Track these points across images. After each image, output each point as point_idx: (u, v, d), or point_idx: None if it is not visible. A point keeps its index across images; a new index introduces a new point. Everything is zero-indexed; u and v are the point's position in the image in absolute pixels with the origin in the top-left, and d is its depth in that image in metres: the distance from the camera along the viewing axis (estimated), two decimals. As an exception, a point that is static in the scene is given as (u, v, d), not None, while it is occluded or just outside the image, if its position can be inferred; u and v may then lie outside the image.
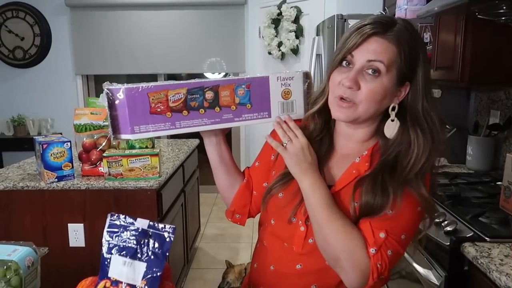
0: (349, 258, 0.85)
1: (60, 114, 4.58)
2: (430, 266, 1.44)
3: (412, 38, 0.88)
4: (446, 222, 1.40)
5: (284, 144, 0.91)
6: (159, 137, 3.35)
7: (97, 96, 4.33)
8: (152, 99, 0.90)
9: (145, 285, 0.79)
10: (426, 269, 1.45)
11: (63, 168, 1.90)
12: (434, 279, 1.38)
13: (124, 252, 0.81)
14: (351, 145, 0.97)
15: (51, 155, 1.85)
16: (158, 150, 1.95)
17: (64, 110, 4.40)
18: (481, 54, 1.77)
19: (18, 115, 4.49)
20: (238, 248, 3.44)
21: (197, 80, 0.92)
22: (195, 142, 3.03)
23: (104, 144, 1.95)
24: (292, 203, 0.95)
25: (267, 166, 1.08)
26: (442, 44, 2.01)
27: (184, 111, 0.92)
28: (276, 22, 4.07)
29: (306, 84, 0.95)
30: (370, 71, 0.86)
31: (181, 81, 0.91)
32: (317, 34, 3.23)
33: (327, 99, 0.94)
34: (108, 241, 0.81)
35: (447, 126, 2.16)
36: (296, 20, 3.92)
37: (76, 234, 1.94)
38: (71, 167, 1.92)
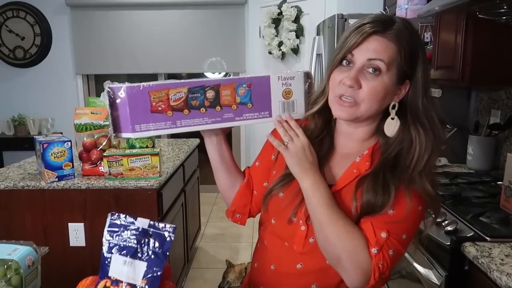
0: (351, 258, 0.85)
1: (60, 114, 4.58)
2: (431, 265, 1.43)
3: (411, 37, 0.88)
4: (446, 222, 1.40)
5: (286, 143, 0.90)
6: (159, 136, 3.37)
7: (98, 95, 4.33)
8: (153, 98, 0.90)
9: (145, 284, 0.79)
10: (426, 269, 1.45)
11: (63, 167, 1.90)
12: (434, 279, 1.38)
13: (124, 251, 0.81)
14: (352, 145, 0.97)
15: (52, 154, 1.85)
16: (159, 150, 1.95)
17: (65, 109, 4.40)
18: (481, 54, 1.77)
19: (18, 115, 4.50)
20: (239, 247, 3.44)
21: (198, 79, 0.92)
22: (196, 141, 3.03)
23: (104, 143, 1.95)
24: (293, 203, 0.95)
25: (267, 165, 1.08)
26: (443, 43, 2.01)
27: (185, 110, 0.92)
28: (276, 21, 4.07)
29: (307, 84, 0.95)
30: (370, 70, 0.86)
31: (182, 80, 0.91)
32: (318, 34, 3.22)
33: (327, 99, 0.94)
34: (109, 240, 0.81)
35: (448, 126, 2.16)
36: (297, 20, 3.91)
37: (76, 234, 1.94)
38: (71, 166, 1.92)
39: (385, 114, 0.93)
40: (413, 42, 0.88)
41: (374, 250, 0.85)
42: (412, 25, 0.90)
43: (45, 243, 1.76)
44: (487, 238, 1.28)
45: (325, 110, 0.95)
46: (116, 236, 0.81)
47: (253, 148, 4.62)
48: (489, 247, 1.23)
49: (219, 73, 4.76)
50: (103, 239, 0.81)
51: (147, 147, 1.96)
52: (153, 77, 4.61)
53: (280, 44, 4.03)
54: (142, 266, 0.80)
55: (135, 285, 0.79)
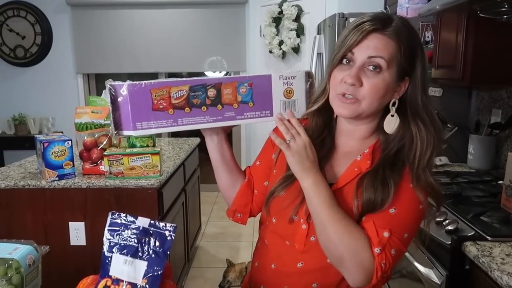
0: (354, 258, 0.85)
1: (61, 113, 4.58)
2: (431, 265, 1.43)
3: (410, 34, 0.89)
4: (447, 221, 1.39)
5: (287, 142, 0.90)
6: (160, 135, 3.37)
7: (98, 94, 4.33)
8: (155, 96, 0.90)
9: (146, 283, 0.79)
10: (427, 268, 1.45)
11: (64, 166, 1.90)
12: (435, 278, 1.38)
13: (125, 250, 0.81)
14: (352, 143, 0.98)
15: (52, 153, 1.85)
16: (159, 149, 1.95)
17: (65, 108, 4.40)
18: (482, 53, 1.77)
19: (19, 114, 4.50)
20: (239, 247, 3.44)
21: (199, 77, 0.92)
22: (196, 140, 3.03)
23: (105, 142, 1.95)
24: (294, 203, 0.95)
25: (268, 165, 1.08)
26: (444, 42, 2.00)
27: (186, 108, 0.92)
28: (277, 20, 4.07)
29: (308, 83, 0.95)
30: (371, 67, 0.87)
31: (184, 78, 0.91)
32: (318, 33, 3.22)
33: (328, 98, 0.94)
34: (109, 239, 0.81)
35: (449, 125, 2.16)
36: (297, 19, 3.91)
37: (77, 233, 1.94)
38: (72, 165, 1.92)
39: (385, 112, 0.93)
40: (412, 39, 0.89)
41: (377, 250, 0.85)
42: (410, 22, 0.91)
43: (46, 242, 1.77)
44: (488, 237, 1.28)
45: (326, 109, 0.96)
46: (116, 235, 0.81)
47: (253, 148, 4.62)
48: (490, 247, 1.23)
49: (220, 72, 4.76)
50: (104, 238, 0.81)
51: (147, 146, 1.95)
52: (154, 76, 4.60)
53: (281, 43, 4.03)
54: (142, 265, 0.80)
55: (136, 284, 0.79)
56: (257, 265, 1.07)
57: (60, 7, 4.44)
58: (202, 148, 1.27)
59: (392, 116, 0.91)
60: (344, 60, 0.90)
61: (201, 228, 3.51)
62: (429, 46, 2.27)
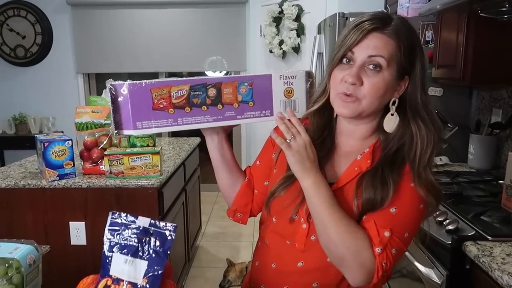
0: (355, 258, 0.85)
1: (61, 113, 4.59)
2: (432, 264, 1.43)
3: (409, 33, 0.90)
4: (447, 221, 1.39)
5: (288, 141, 0.89)
6: (160, 135, 3.37)
7: (99, 94, 4.33)
8: (155, 95, 0.90)
9: (146, 283, 0.79)
10: (427, 268, 1.45)
11: (64, 166, 1.90)
12: (435, 278, 1.38)
13: (125, 250, 0.81)
14: (353, 143, 0.98)
15: (53, 153, 1.85)
16: (159, 149, 1.95)
17: (66, 108, 4.41)
18: (483, 53, 1.77)
19: (19, 114, 4.50)
20: (239, 246, 3.44)
21: (200, 77, 0.92)
22: (196, 140, 3.03)
23: (105, 142, 1.95)
24: (294, 202, 0.95)
25: (268, 164, 1.08)
26: (444, 42, 2.00)
27: (187, 108, 0.92)
28: (277, 20, 4.07)
29: (309, 83, 0.95)
30: (371, 67, 0.87)
31: (184, 78, 0.91)
32: (319, 33, 3.22)
33: (328, 98, 0.94)
34: (110, 239, 0.81)
35: (449, 125, 2.16)
36: (298, 19, 3.91)
37: (77, 232, 1.94)
38: (72, 165, 1.92)
39: (385, 112, 0.93)
40: (411, 38, 0.89)
41: (378, 250, 0.85)
42: (409, 22, 0.92)
43: (46, 241, 1.77)
44: (488, 237, 1.28)
45: (326, 109, 0.96)
46: (117, 235, 0.81)
47: (253, 147, 4.62)
48: (490, 246, 1.23)
49: (220, 72, 4.76)
50: (104, 238, 0.81)
51: (148, 146, 1.95)
52: (154, 76, 4.61)
53: (281, 42, 4.03)
54: (143, 265, 0.80)
55: (136, 284, 0.79)
56: (258, 264, 1.07)
57: (60, 6, 4.44)
58: (202, 147, 1.27)
59: (392, 115, 0.91)
60: (344, 60, 0.90)
61: (201, 228, 3.51)
62: (429, 46, 2.27)
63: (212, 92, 0.91)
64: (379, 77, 0.87)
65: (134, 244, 0.81)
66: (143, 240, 0.81)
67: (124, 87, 0.90)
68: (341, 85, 0.89)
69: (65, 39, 4.52)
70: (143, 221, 0.82)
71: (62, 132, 4.15)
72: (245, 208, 1.11)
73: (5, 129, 4.52)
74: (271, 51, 4.16)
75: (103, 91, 2.14)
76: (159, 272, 0.80)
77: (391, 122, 0.91)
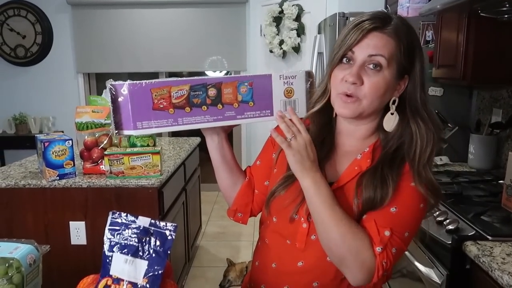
0: (356, 257, 0.85)
1: (61, 112, 4.59)
2: (432, 264, 1.43)
3: (409, 32, 0.90)
4: (448, 221, 1.39)
5: (288, 140, 0.89)
6: (160, 135, 3.37)
7: (99, 94, 4.32)
8: (155, 95, 0.90)
9: (146, 283, 0.79)
10: (427, 268, 1.44)
11: (64, 166, 1.90)
12: (435, 278, 1.38)
13: (125, 250, 0.81)
14: (353, 143, 0.98)
15: (53, 153, 1.85)
16: (160, 148, 1.95)
17: (66, 108, 4.41)
18: (483, 52, 1.77)
19: (19, 113, 4.50)
20: (239, 246, 3.45)
21: (200, 77, 0.92)
22: (197, 140, 3.03)
23: (105, 142, 1.95)
24: (294, 202, 0.95)
25: (268, 164, 1.08)
26: (444, 42, 2.00)
27: (187, 108, 0.92)
28: (277, 20, 4.07)
29: (309, 83, 0.95)
30: (371, 66, 0.87)
31: (184, 78, 0.91)
32: (319, 32, 3.22)
33: (329, 99, 0.94)
34: (110, 239, 0.81)
35: (449, 125, 2.16)
36: (298, 18, 3.91)
37: (77, 232, 1.94)
38: (72, 165, 1.92)
39: (385, 112, 0.94)
40: (411, 38, 0.90)
41: (378, 249, 0.85)
42: (408, 21, 0.92)
43: (46, 241, 1.76)
44: (488, 237, 1.28)
45: (326, 109, 0.96)
46: (117, 234, 0.81)
47: (254, 147, 4.62)
48: (491, 246, 1.23)
49: (220, 72, 4.76)
50: (104, 238, 0.81)
51: (148, 145, 1.95)
52: (154, 75, 4.61)
53: (281, 42, 4.03)
54: (143, 264, 0.80)
55: (136, 283, 0.79)
56: (258, 264, 1.07)
57: (60, 6, 4.44)
58: (202, 147, 1.27)
59: (392, 114, 0.92)
60: (344, 59, 0.90)
61: (201, 228, 3.51)
62: (429, 46, 2.27)
63: (212, 92, 0.91)
64: (380, 76, 0.87)
65: (134, 244, 0.81)
66: (143, 240, 0.81)
67: (124, 87, 0.90)
68: (342, 84, 0.89)
69: (65, 39, 4.53)
70: (143, 221, 0.82)
71: (62, 132, 4.14)
72: (246, 208, 1.11)
73: (5, 128, 4.52)
74: (271, 51, 4.16)
75: (103, 91, 2.14)
76: (159, 272, 0.80)
77: (390, 121, 0.92)
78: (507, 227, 1.37)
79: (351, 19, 2.55)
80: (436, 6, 1.74)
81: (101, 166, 1.96)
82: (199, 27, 4.48)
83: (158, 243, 0.81)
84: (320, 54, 3.08)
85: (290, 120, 0.92)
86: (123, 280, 0.80)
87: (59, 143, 1.86)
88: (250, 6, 4.44)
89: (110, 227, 0.82)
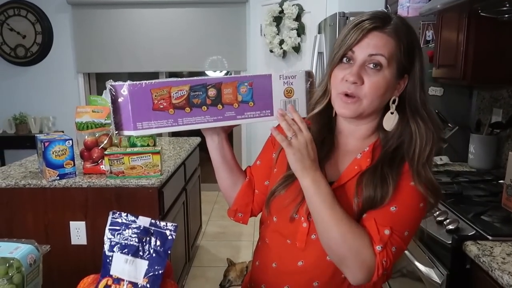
0: (356, 256, 0.85)
1: (61, 112, 4.59)
2: (432, 264, 1.43)
3: (409, 32, 0.90)
4: (448, 221, 1.39)
5: (289, 139, 0.88)
6: (160, 135, 3.37)
7: (99, 94, 4.33)
8: (155, 96, 0.90)
9: (147, 283, 0.79)
10: (428, 268, 1.45)
11: (64, 166, 1.90)
12: (435, 278, 1.38)
13: (126, 250, 0.81)
14: (353, 142, 0.98)
15: (53, 153, 1.85)
16: (160, 148, 1.95)
17: (66, 108, 4.41)
18: (483, 52, 1.77)
19: (20, 113, 4.50)
20: (240, 246, 3.45)
21: (200, 77, 0.92)
22: (197, 140, 3.03)
23: (105, 142, 1.95)
24: (294, 201, 0.95)
25: (268, 164, 1.08)
26: (445, 42, 2.00)
27: (187, 108, 0.92)
28: (277, 20, 4.06)
29: (309, 83, 0.95)
30: (371, 65, 0.88)
31: (184, 78, 0.91)
32: (319, 32, 3.22)
33: (330, 99, 0.94)
34: (110, 239, 0.81)
35: (449, 124, 2.16)
36: (298, 18, 3.91)
37: (78, 232, 1.94)
38: (72, 165, 1.92)
39: (385, 111, 0.94)
40: (411, 37, 0.90)
41: (378, 248, 0.85)
42: (407, 21, 0.92)
43: (47, 241, 1.76)
44: (488, 237, 1.28)
45: (326, 109, 0.96)
46: (117, 234, 0.81)
47: (254, 147, 4.62)
48: (491, 246, 1.23)
49: (220, 72, 4.76)
50: (105, 238, 0.81)
51: (148, 145, 1.96)
52: (154, 75, 4.61)
53: (282, 42, 4.03)
54: (143, 264, 0.80)
55: (137, 283, 0.79)
56: (258, 264, 1.07)
57: (60, 6, 4.44)
58: (202, 147, 1.27)
59: (392, 113, 0.92)
60: (345, 59, 0.90)
61: (201, 228, 3.51)
62: (430, 46, 2.26)
63: (212, 92, 0.91)
64: (380, 76, 0.87)
65: (135, 243, 0.81)
66: (144, 240, 0.81)
67: (124, 88, 0.90)
68: (342, 84, 0.89)
69: (65, 38, 4.53)
70: (144, 221, 0.82)
71: (63, 131, 4.15)
72: (246, 208, 1.11)
73: (6, 128, 4.52)
74: (271, 51, 4.16)
75: (104, 91, 2.14)
76: (160, 272, 0.80)
77: (390, 120, 0.92)
78: (507, 227, 1.37)
79: (351, 18, 2.54)
80: (436, 6, 1.74)
81: (101, 166, 1.96)
82: (199, 27, 4.48)
83: (158, 243, 0.81)
84: (320, 54, 3.08)
85: (293, 119, 0.91)
86: (123, 280, 0.80)
87: (59, 143, 1.86)
88: (250, 5, 4.43)
89: (111, 227, 0.82)
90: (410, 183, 0.89)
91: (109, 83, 0.90)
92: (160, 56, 4.53)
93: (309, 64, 3.25)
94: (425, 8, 1.90)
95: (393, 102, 0.92)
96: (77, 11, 4.45)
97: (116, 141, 1.99)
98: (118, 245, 0.81)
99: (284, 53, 4.08)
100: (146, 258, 0.80)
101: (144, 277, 0.79)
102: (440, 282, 1.36)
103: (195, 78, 0.91)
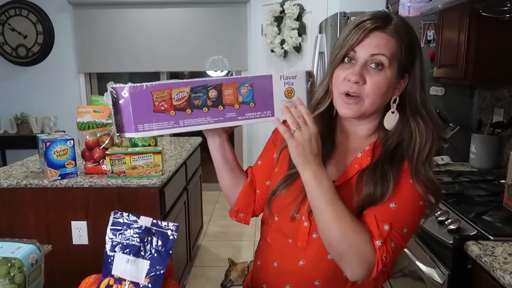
0: (357, 253, 0.85)
1: (63, 112, 4.59)
2: (433, 264, 1.43)
3: (409, 31, 0.91)
4: (449, 221, 1.39)
5: (292, 131, 0.86)
6: (161, 135, 3.37)
7: (100, 94, 4.34)
8: (156, 98, 0.90)
9: (148, 283, 0.79)
10: (429, 268, 1.45)
11: (66, 166, 1.90)
12: (437, 278, 1.38)
13: (127, 250, 0.81)
14: (354, 142, 0.99)
15: (54, 153, 1.86)
16: (161, 148, 1.95)
17: (67, 108, 4.42)
18: (484, 52, 1.77)
19: (21, 113, 4.51)
20: (241, 246, 3.45)
21: (200, 78, 0.92)
22: (198, 140, 3.03)
23: (107, 142, 1.96)
24: (296, 201, 0.96)
25: (269, 164, 1.08)
26: (446, 41, 2.00)
27: (188, 110, 0.92)
28: (278, 19, 4.06)
29: (309, 83, 0.95)
30: (373, 65, 0.88)
31: (185, 80, 0.91)
32: (320, 32, 3.22)
33: (331, 99, 0.94)
34: (112, 239, 0.82)
35: (451, 124, 2.15)
36: (299, 18, 3.91)
37: (79, 232, 1.94)
38: (74, 165, 1.93)
39: (386, 110, 0.94)
40: (411, 37, 0.91)
41: (378, 243, 0.85)
42: (407, 20, 0.93)
43: (48, 241, 1.78)
44: (490, 236, 1.28)
45: (327, 109, 0.96)
46: (119, 234, 0.82)
47: (255, 148, 4.62)
48: (492, 246, 1.23)
49: (221, 72, 4.76)
50: (106, 238, 0.82)
51: (149, 145, 1.96)
52: (155, 75, 4.61)
53: (283, 42, 4.03)
54: (145, 264, 0.80)
55: (138, 283, 0.79)
56: (260, 264, 1.07)
57: (61, 6, 4.44)
58: (203, 147, 1.27)
59: (393, 112, 0.92)
60: (346, 59, 0.91)
61: (203, 227, 3.51)
62: (431, 45, 2.26)
63: (213, 93, 0.91)
64: (381, 75, 0.88)
65: (136, 243, 0.81)
66: (145, 240, 0.81)
67: (125, 90, 0.90)
68: (344, 84, 0.90)
69: (66, 38, 4.53)
70: (145, 221, 0.82)
71: (64, 131, 4.15)
72: (248, 208, 1.11)
73: (7, 128, 4.53)
74: (272, 51, 4.16)
75: (105, 94, 2.15)
76: (161, 271, 0.80)
77: (391, 120, 0.93)
78: (509, 227, 1.37)
79: (352, 18, 2.54)
80: (438, 6, 1.74)
81: (102, 166, 1.96)
82: (200, 27, 4.48)
83: (160, 243, 0.81)
84: (321, 53, 3.08)
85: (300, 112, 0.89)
86: (125, 280, 0.80)
87: (61, 143, 1.86)
88: (251, 5, 4.43)
89: (112, 227, 0.82)
90: (410, 181, 0.89)
91: (110, 85, 0.91)
92: (161, 56, 4.53)
93: (310, 64, 3.25)
94: (426, 8, 1.89)
95: (394, 101, 0.92)
96: (78, 11, 4.46)
97: (117, 141, 1.99)
98: (120, 245, 0.81)
99: (285, 53, 4.08)
100: (147, 258, 0.81)
101: (145, 277, 0.80)
102: (441, 282, 1.36)
103: (195, 79, 0.91)
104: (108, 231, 0.82)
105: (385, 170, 0.89)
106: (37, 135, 2.00)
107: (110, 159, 1.88)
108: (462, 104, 2.29)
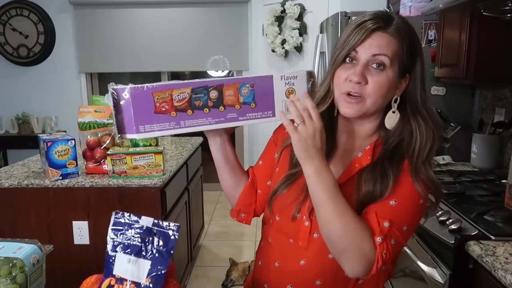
0: (358, 249, 0.84)
1: (64, 112, 4.59)
2: (435, 264, 1.43)
3: (410, 31, 0.91)
4: (450, 220, 1.39)
5: (296, 125, 0.85)
6: (163, 136, 3.37)
7: (101, 94, 4.34)
8: (157, 99, 0.90)
9: (149, 283, 0.79)
10: (430, 267, 1.44)
11: (67, 166, 1.90)
12: (438, 278, 1.38)
13: (128, 250, 0.81)
14: (354, 141, 0.99)
15: (56, 153, 1.86)
16: (162, 148, 1.95)
17: (68, 108, 4.42)
18: (486, 51, 1.76)
19: (22, 113, 4.51)
20: (242, 246, 3.45)
21: (201, 79, 0.92)
22: (199, 140, 3.03)
23: (108, 142, 1.96)
24: (297, 200, 0.96)
25: (270, 164, 1.08)
26: (447, 41, 2.00)
27: (189, 111, 0.92)
28: (279, 19, 4.06)
29: (310, 83, 0.95)
30: (375, 65, 0.88)
31: (186, 81, 0.91)
32: (321, 32, 3.22)
33: (333, 99, 0.94)
34: (113, 239, 0.82)
35: (452, 124, 2.15)
36: (300, 18, 3.91)
37: (80, 232, 1.95)
38: (75, 165, 1.93)
39: (387, 110, 0.94)
40: (412, 37, 0.91)
41: (378, 239, 0.85)
42: (407, 20, 0.93)
43: (50, 241, 1.78)
44: (491, 236, 1.28)
45: (328, 109, 0.96)
46: (120, 234, 0.82)
47: (256, 148, 4.62)
48: (494, 246, 1.23)
49: (222, 72, 4.76)
50: (108, 238, 0.82)
51: (150, 145, 1.96)
52: (156, 75, 4.61)
53: (283, 42, 4.03)
54: (146, 264, 0.80)
55: (140, 283, 0.80)
56: (261, 263, 1.07)
57: (62, 6, 4.45)
58: (205, 147, 1.27)
59: (394, 112, 0.93)
60: (348, 59, 0.91)
61: (204, 227, 3.51)
62: (432, 45, 2.26)
63: (213, 94, 0.91)
64: (383, 75, 0.88)
65: (138, 243, 0.81)
66: (147, 240, 0.81)
67: (126, 91, 0.90)
68: (346, 84, 0.90)
69: (67, 38, 4.53)
70: (147, 221, 0.82)
71: (65, 131, 4.16)
72: (249, 208, 1.11)
73: (8, 128, 4.53)
74: (273, 51, 4.16)
75: (105, 95, 2.15)
76: (162, 271, 0.80)
77: (392, 119, 0.93)
78: (510, 227, 1.37)
79: (353, 18, 2.54)
80: (439, 5, 1.73)
81: (103, 166, 1.97)
82: (201, 27, 4.48)
83: (161, 243, 0.81)
84: (322, 53, 3.08)
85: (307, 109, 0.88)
86: (126, 280, 0.80)
87: (62, 143, 1.87)
88: (252, 5, 4.43)
89: (113, 227, 0.82)
90: (410, 179, 0.89)
91: (111, 87, 0.90)
92: (162, 56, 4.53)
93: (311, 63, 3.25)
94: (427, 7, 1.89)
95: (395, 101, 0.92)
96: (79, 11, 4.46)
97: (118, 141, 1.99)
98: (121, 245, 0.81)
99: (286, 53, 4.08)
100: (149, 258, 0.81)
101: (147, 277, 0.80)
102: (442, 282, 1.36)
103: (196, 80, 0.91)
104: (110, 231, 0.82)
105: (385, 168, 0.89)
106: (38, 135, 2.00)
107: (111, 159, 1.88)
108: (463, 104, 2.28)
